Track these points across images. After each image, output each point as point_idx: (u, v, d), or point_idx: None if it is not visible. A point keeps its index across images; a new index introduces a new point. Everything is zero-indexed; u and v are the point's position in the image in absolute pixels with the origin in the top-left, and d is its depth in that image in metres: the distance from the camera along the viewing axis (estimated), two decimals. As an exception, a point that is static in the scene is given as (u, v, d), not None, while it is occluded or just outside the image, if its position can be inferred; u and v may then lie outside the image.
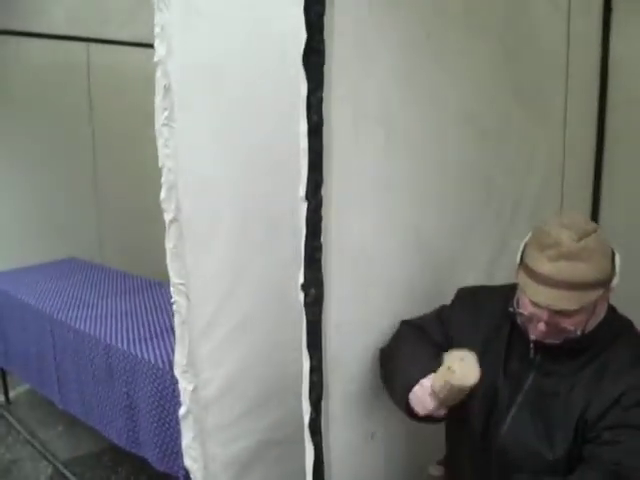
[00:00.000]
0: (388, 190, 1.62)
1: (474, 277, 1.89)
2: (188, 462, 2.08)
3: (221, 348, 1.96)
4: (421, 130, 1.74)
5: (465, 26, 1.83)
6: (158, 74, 1.72)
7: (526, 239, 1.48)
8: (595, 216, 2.96)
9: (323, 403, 1.49)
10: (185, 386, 1.96)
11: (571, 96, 2.58)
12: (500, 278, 1.73)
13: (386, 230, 1.65)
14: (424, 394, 1.48)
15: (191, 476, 2.11)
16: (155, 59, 1.71)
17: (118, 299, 3.33)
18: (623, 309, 1.59)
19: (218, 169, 1.86)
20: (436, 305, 1.77)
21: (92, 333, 2.79)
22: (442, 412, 1.48)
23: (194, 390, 1.95)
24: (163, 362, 2.36)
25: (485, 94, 2.00)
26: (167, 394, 2.32)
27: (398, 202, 1.68)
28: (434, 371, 1.49)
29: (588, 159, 2.92)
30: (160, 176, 1.79)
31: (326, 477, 1.57)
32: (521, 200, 2.25)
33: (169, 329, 2.67)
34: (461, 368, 1.43)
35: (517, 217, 2.19)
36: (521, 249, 1.48)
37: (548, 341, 1.47)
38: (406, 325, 1.74)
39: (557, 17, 2.39)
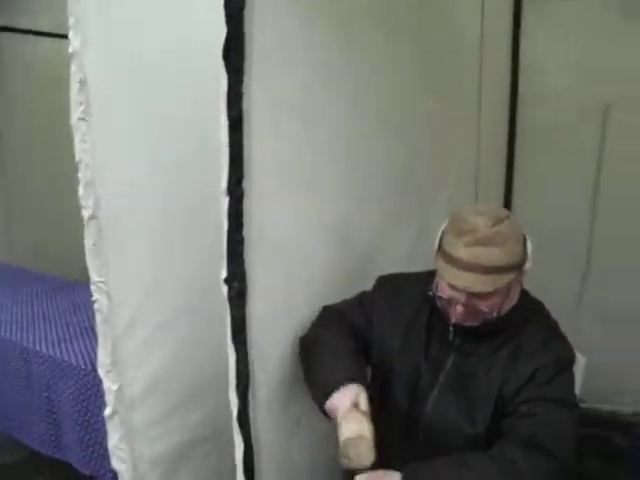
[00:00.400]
0: (308, 184, 1.65)
1: (394, 267, 1.95)
2: (116, 463, 2.03)
3: (145, 346, 1.93)
4: (342, 125, 1.78)
5: (385, 26, 1.88)
6: (73, 67, 1.67)
7: (443, 226, 1.54)
8: (508, 204, 3.11)
9: (250, 394, 1.51)
10: (110, 386, 1.91)
11: (484, 94, 2.71)
12: (419, 266, 1.78)
13: (306, 223, 1.68)
14: (334, 416, 1.51)
15: (119, 477, 2.07)
16: (70, 51, 1.67)
17: (34, 301, 3.22)
18: (534, 293, 1.69)
19: (137, 165, 1.83)
20: (357, 294, 1.81)
21: (7, 337, 2.69)
22: None
23: (119, 389, 1.91)
24: (85, 363, 2.32)
25: (403, 92, 2.06)
26: (91, 395, 2.28)
27: (318, 196, 1.71)
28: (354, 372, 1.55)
29: (500, 155, 3.06)
30: (77, 172, 1.75)
31: (256, 466, 1.59)
32: (438, 191, 2.34)
33: (89, 329, 2.61)
34: (355, 456, 1.45)
35: (434, 208, 2.28)
36: (439, 236, 1.54)
37: (467, 324, 1.55)
38: (327, 311, 1.77)
39: (471, 18, 2.49)
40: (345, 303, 1.79)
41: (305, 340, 1.73)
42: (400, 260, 2.17)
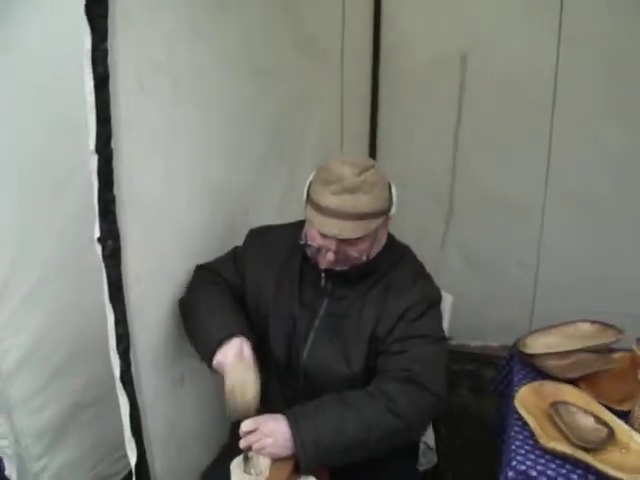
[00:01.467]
0: (176, 139, 1.66)
1: (265, 218, 2.00)
2: (-4, 440, 1.98)
3: (17, 315, 1.88)
4: (207, 78, 1.79)
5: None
6: None
7: (311, 177, 1.60)
8: (372, 153, 3.25)
9: (131, 354, 1.51)
10: (-18, 361, 1.85)
11: (347, 45, 2.79)
12: (289, 217, 1.84)
13: (176, 179, 1.69)
14: (221, 370, 1.56)
15: (0, 454, 2.02)
16: None
17: None
18: (401, 236, 1.80)
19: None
20: (230, 246, 1.86)
21: None
22: None
23: (-8, 363, 1.86)
24: (-46, 340, 2.20)
25: (267, 42, 2.10)
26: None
27: (186, 150, 1.72)
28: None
29: (364, 104, 3.17)
30: None
31: (143, 425, 1.60)
32: (304, 143, 2.40)
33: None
34: (243, 402, 1.50)
35: (301, 159, 2.35)
36: (307, 186, 1.60)
37: (337, 268, 1.61)
38: (201, 270, 1.80)
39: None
40: (219, 261, 1.83)
41: (183, 303, 1.75)
42: (271, 212, 2.25)
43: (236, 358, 1.54)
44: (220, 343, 1.56)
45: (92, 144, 1.31)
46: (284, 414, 1.49)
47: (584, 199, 3.06)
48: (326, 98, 2.70)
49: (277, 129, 2.26)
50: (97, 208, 1.35)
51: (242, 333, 1.60)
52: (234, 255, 1.82)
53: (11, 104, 1.77)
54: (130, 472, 1.63)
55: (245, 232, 1.84)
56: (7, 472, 2.02)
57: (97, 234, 1.37)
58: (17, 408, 1.95)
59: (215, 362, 1.56)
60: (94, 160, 1.32)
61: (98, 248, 1.38)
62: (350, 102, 2.97)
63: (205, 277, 1.78)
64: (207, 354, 1.58)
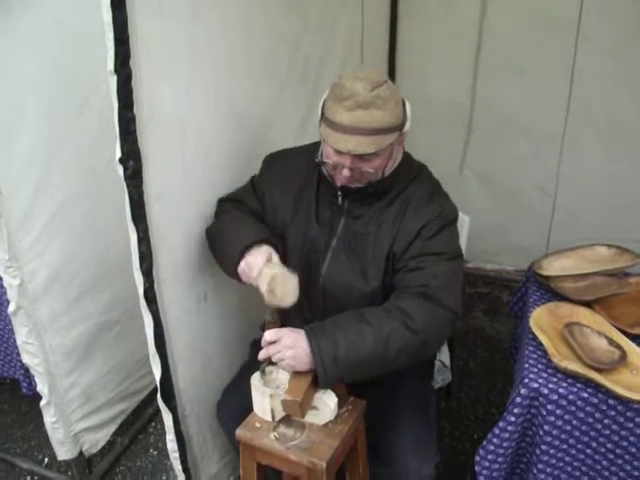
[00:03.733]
0: (198, 57, 1.64)
1: (287, 140, 2.00)
2: (26, 358, 2.05)
3: (42, 237, 1.91)
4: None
5: None
6: None
7: (325, 95, 1.59)
8: (392, 74, 3.22)
9: (154, 272, 1.55)
10: (11, 282, 1.90)
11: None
12: (311, 137, 1.83)
13: (198, 98, 1.68)
14: (249, 274, 1.59)
15: (32, 372, 2.10)
16: None
17: None
18: (419, 157, 1.80)
19: (15, 50, 1.74)
20: (252, 170, 1.86)
21: None
22: None
23: (21, 284, 1.91)
24: (-18, 262, 2.26)
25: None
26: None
27: (209, 69, 1.70)
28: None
29: (384, 24, 3.10)
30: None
31: (167, 341, 1.66)
32: (325, 66, 2.38)
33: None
34: (281, 292, 1.55)
35: (321, 82, 2.33)
36: (321, 104, 1.59)
37: (353, 186, 1.63)
38: (224, 202, 1.84)
39: None
40: (238, 192, 1.85)
41: (209, 231, 1.79)
42: (293, 134, 2.24)
43: (267, 261, 1.58)
44: (249, 248, 1.60)
45: (110, 64, 1.30)
46: (304, 329, 1.53)
47: (606, 126, 3.01)
48: (347, 20, 2.64)
49: (298, 51, 2.23)
50: (118, 129, 1.36)
51: (270, 243, 1.64)
52: (252, 183, 1.84)
53: (36, 23, 1.75)
54: (156, 388, 1.71)
55: (266, 152, 1.85)
56: (39, 388, 2.11)
57: (119, 154, 1.38)
58: (46, 327, 2.01)
59: (243, 264, 1.59)
60: (113, 80, 1.32)
61: (120, 169, 1.39)
62: (370, 21, 2.91)
63: (228, 206, 1.81)
64: (235, 260, 1.61)
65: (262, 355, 1.55)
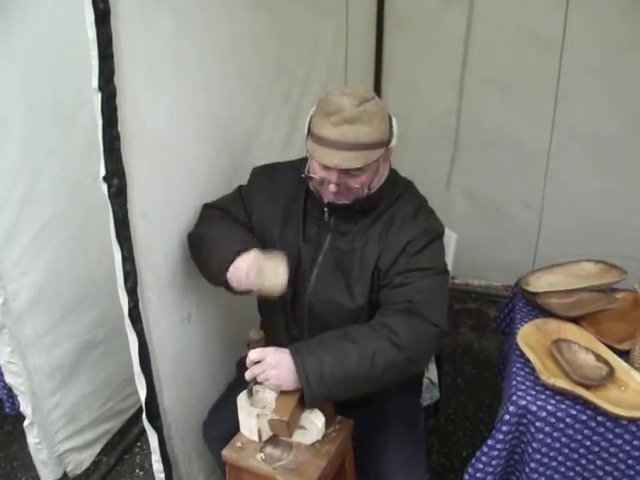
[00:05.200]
0: (180, 76, 1.64)
1: (271, 156, 1.99)
2: (9, 378, 2.03)
3: (26, 256, 1.90)
4: (211, 13, 1.76)
5: None
6: None
7: (312, 111, 1.59)
8: (377, 92, 3.20)
9: (139, 291, 1.53)
10: (-7, 301, 1.89)
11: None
12: (294, 154, 1.85)
13: (181, 116, 1.67)
14: (240, 276, 1.57)
15: (15, 391, 2.07)
16: None
17: None
18: (406, 174, 1.80)
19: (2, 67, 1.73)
20: (235, 185, 1.86)
21: None
22: None
23: (4, 303, 1.89)
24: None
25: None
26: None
27: (191, 87, 1.70)
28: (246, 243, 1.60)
29: (369, 42, 3.11)
30: None
31: (152, 360, 1.64)
32: (308, 83, 2.39)
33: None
34: (270, 273, 1.54)
35: (305, 99, 2.34)
36: (308, 120, 1.59)
37: (340, 202, 1.62)
38: (208, 208, 1.81)
39: None
40: (224, 199, 1.84)
41: (193, 236, 1.76)
42: (276, 151, 2.24)
43: None
44: (237, 255, 1.58)
45: (95, 81, 1.29)
46: (289, 348, 1.51)
47: (592, 142, 3.02)
48: (332, 36, 2.65)
49: (282, 67, 2.24)
50: (102, 146, 1.35)
51: (258, 248, 1.62)
52: (239, 193, 1.82)
53: (20, 39, 1.75)
54: (141, 407, 1.68)
55: (249, 169, 1.84)
56: (22, 408, 2.08)
57: (103, 173, 1.37)
58: (29, 347, 1.99)
59: (232, 268, 1.57)
60: (97, 98, 1.31)
61: (104, 187, 1.38)
62: (355, 40, 2.93)
63: (212, 213, 1.79)
64: (224, 264, 1.58)
65: (248, 375, 1.53)
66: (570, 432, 1.53)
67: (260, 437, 1.54)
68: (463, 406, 2.80)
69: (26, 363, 2.00)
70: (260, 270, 1.53)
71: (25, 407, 2.06)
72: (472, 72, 3.13)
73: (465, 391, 2.90)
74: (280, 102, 2.27)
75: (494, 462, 1.59)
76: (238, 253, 1.58)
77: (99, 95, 1.31)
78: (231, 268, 1.58)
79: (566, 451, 1.55)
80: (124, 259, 1.47)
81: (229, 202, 1.82)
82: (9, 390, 2.17)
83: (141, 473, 2.52)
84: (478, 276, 3.58)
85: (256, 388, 1.55)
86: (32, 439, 2.13)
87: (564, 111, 3.02)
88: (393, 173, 1.74)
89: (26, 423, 2.09)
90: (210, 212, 1.80)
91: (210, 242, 1.68)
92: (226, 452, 1.54)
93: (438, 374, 2.07)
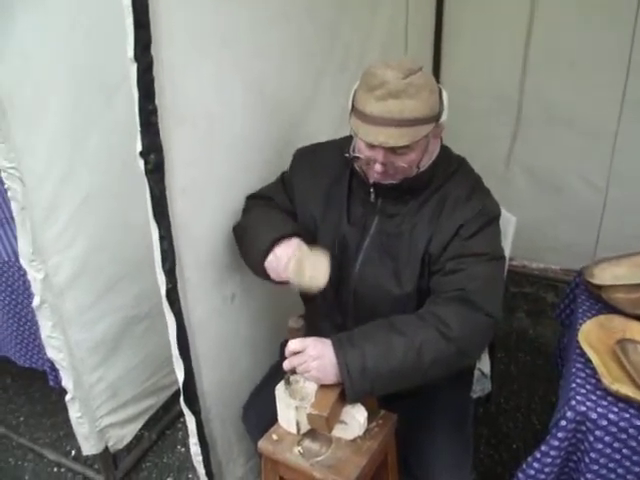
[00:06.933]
0: (225, 43, 1.54)
1: (323, 131, 1.89)
2: (51, 352, 2.02)
3: (67, 230, 1.86)
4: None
5: None
6: None
7: (355, 85, 1.49)
8: (437, 63, 3.08)
9: (177, 271, 1.47)
10: (35, 275, 1.85)
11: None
12: (348, 131, 1.74)
13: (227, 87, 1.59)
14: (278, 266, 1.51)
15: (57, 366, 2.06)
16: None
17: None
18: (464, 152, 1.67)
19: (39, 36, 1.66)
20: (284, 165, 1.77)
21: None
22: None
23: (45, 278, 1.86)
24: (8, 254, 2.23)
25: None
26: (18, 287, 2.22)
27: (238, 55, 1.61)
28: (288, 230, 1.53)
29: (430, 12, 2.96)
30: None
31: (190, 343, 1.59)
32: (366, 53, 2.26)
33: (8, 219, 2.48)
34: (311, 271, 1.46)
35: (361, 71, 2.21)
36: (351, 95, 1.49)
37: (387, 182, 1.53)
38: (252, 199, 1.75)
39: None
40: (268, 187, 1.77)
41: (238, 226, 1.71)
42: (331, 126, 2.12)
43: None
44: (278, 241, 1.52)
45: (130, 51, 1.22)
46: (330, 339, 1.44)
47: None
48: (389, 5, 2.52)
49: (337, 36, 2.12)
50: (139, 120, 1.28)
51: (300, 236, 1.56)
52: (282, 180, 1.75)
53: (62, 7, 1.69)
54: (185, 384, 1.64)
55: (301, 145, 1.76)
56: (64, 383, 2.07)
57: (139, 148, 1.30)
58: (71, 322, 1.97)
59: (271, 257, 1.52)
60: (133, 68, 1.23)
61: (140, 162, 1.32)
62: (414, 7, 2.78)
63: (257, 202, 1.73)
64: (262, 252, 1.53)
65: (287, 365, 1.46)
66: (633, 444, 1.40)
67: (298, 430, 1.48)
68: (515, 395, 2.68)
69: (67, 338, 1.98)
70: (300, 264, 1.46)
71: (67, 382, 2.05)
72: (537, 45, 2.94)
73: (518, 379, 2.78)
74: (336, 71, 2.14)
75: (547, 469, 1.48)
76: (278, 241, 1.51)
77: (135, 66, 1.24)
78: (270, 256, 1.51)
79: (627, 464, 1.42)
80: (161, 238, 1.41)
81: (272, 190, 1.75)
82: (52, 363, 2.17)
83: (182, 449, 2.52)
84: (536, 258, 3.41)
85: (295, 378, 1.48)
86: (74, 413, 2.12)
87: (636, 85, 2.81)
88: (445, 150, 1.62)
89: (68, 397, 2.08)
90: (253, 202, 1.74)
91: (250, 231, 1.62)
92: (262, 444, 1.48)
93: (491, 364, 1.96)
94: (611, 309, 1.76)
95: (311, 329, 1.51)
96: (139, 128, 1.29)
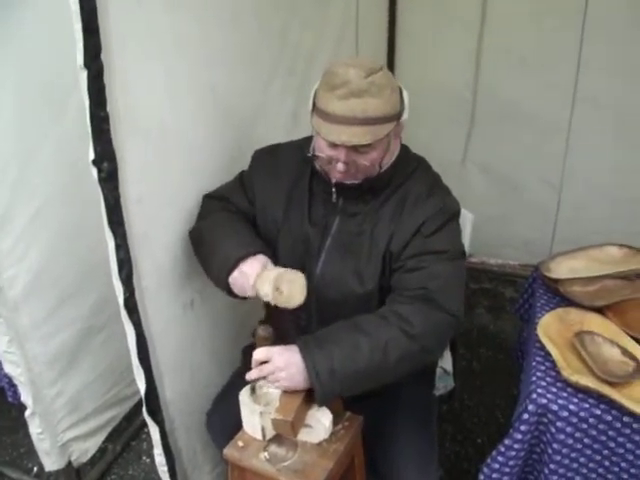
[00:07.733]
0: (177, 49, 1.53)
1: (274, 135, 1.89)
2: (9, 368, 1.97)
3: (21, 241, 1.81)
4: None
5: None
6: None
7: (316, 85, 1.48)
8: (391, 64, 3.12)
9: (135, 280, 1.45)
10: (-11, 290, 1.81)
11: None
12: (299, 133, 1.73)
13: (179, 93, 1.57)
14: (244, 283, 1.50)
15: (15, 381, 2.02)
16: None
17: None
18: (420, 151, 1.69)
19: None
20: (238, 168, 1.76)
21: None
22: None
23: (0, 292, 1.82)
24: (-39, 268, 2.17)
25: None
26: (-28, 301, 2.15)
27: (189, 61, 1.59)
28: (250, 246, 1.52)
29: (382, 11, 2.97)
30: None
31: (151, 352, 1.57)
32: (316, 54, 2.26)
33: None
34: (289, 290, 1.46)
35: (312, 71, 2.22)
36: (312, 95, 1.49)
37: (348, 182, 1.52)
38: (209, 199, 1.73)
39: None
40: (224, 187, 1.75)
41: (194, 232, 1.68)
42: (283, 125, 2.12)
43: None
44: (243, 258, 1.50)
45: (80, 58, 1.19)
46: (296, 344, 1.43)
47: (614, 116, 2.90)
48: (341, 4, 2.52)
49: (286, 38, 2.12)
50: (90, 128, 1.25)
51: (265, 253, 1.54)
52: (241, 179, 1.73)
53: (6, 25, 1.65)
54: (149, 393, 1.61)
55: (253, 149, 1.74)
56: (23, 398, 2.03)
57: (92, 156, 1.27)
58: (27, 336, 1.93)
59: (237, 273, 1.50)
60: (83, 75, 1.21)
61: (94, 171, 1.29)
62: (367, 9, 2.78)
63: (214, 205, 1.71)
64: (227, 268, 1.51)
65: (253, 375, 1.45)
66: (593, 433, 1.43)
67: (264, 435, 1.46)
68: (478, 391, 2.72)
69: (25, 352, 1.93)
70: (275, 284, 1.44)
71: (26, 397, 2.01)
72: (489, 43, 2.99)
73: (480, 375, 2.82)
74: (285, 74, 2.14)
75: (511, 462, 1.50)
76: (243, 258, 1.50)
77: (85, 73, 1.21)
78: (235, 273, 1.50)
79: (589, 453, 1.45)
80: (117, 247, 1.38)
81: (229, 190, 1.72)
82: (10, 379, 2.12)
83: (148, 460, 2.48)
84: (494, 254, 3.47)
85: (260, 383, 1.47)
86: (34, 429, 2.08)
87: (586, 83, 2.89)
88: (404, 149, 1.63)
89: (27, 413, 2.04)
90: (211, 204, 1.71)
91: (214, 243, 1.59)
92: (228, 451, 1.47)
93: (452, 360, 1.98)
94: (568, 302, 1.80)
95: (275, 331, 1.51)
96: (91, 136, 1.26)
